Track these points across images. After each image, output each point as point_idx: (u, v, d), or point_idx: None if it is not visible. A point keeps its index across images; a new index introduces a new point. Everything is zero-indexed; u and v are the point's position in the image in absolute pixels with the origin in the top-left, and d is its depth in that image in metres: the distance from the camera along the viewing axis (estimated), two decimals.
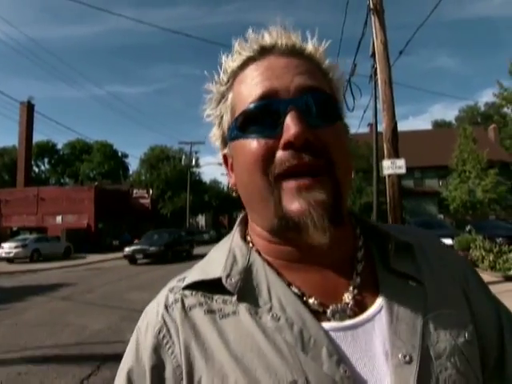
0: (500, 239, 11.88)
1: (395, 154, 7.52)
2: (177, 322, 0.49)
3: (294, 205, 0.46)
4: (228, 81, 0.54)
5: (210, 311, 0.49)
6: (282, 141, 0.46)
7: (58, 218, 27.27)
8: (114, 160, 50.42)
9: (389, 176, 7.51)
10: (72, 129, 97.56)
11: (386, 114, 7.74)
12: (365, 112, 13.03)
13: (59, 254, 19.94)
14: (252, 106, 0.49)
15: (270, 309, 0.47)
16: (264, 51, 0.52)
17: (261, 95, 0.49)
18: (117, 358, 4.22)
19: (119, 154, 52.60)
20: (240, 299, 0.48)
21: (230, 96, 0.53)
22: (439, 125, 49.45)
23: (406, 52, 9.02)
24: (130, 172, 52.26)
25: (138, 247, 17.36)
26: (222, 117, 0.55)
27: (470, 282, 0.56)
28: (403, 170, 7.42)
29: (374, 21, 8.00)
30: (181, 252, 19.38)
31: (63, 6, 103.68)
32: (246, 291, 0.49)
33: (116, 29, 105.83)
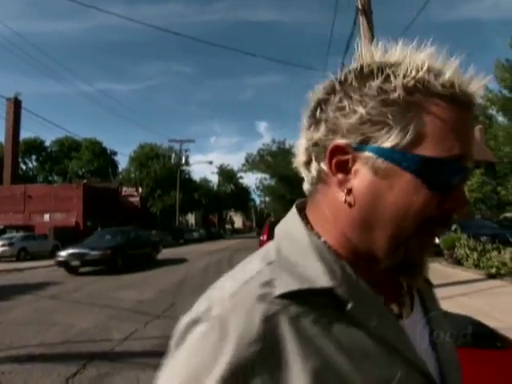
0: (484, 238, 12.11)
1: None
2: (284, 337, 0.43)
3: (422, 253, 0.49)
4: (405, 94, 0.46)
5: (315, 321, 0.45)
6: (451, 207, 0.47)
7: (46, 216, 26.96)
8: (103, 158, 49.96)
9: None
10: (60, 126, 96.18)
11: None
12: None
13: (47, 253, 19.69)
14: (452, 158, 0.46)
15: (371, 317, 0.47)
16: (467, 104, 0.48)
17: (457, 156, 0.46)
18: (103, 356, 4.26)
19: (108, 151, 52.14)
20: (341, 308, 0.46)
21: (412, 114, 0.46)
22: None
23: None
24: (120, 170, 51.84)
25: (74, 251, 12.91)
26: (375, 118, 0.46)
27: None
28: None
29: (361, 21, 8.08)
30: (137, 257, 14.97)
31: (51, 1, 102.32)
32: (354, 301, 0.47)
33: (105, 25, 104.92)
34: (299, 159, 0.55)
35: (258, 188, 43.69)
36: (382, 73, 0.47)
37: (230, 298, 0.46)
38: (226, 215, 63.01)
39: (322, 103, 0.50)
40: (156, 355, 4.57)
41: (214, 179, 59.22)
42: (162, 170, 40.46)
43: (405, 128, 0.45)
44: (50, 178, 50.24)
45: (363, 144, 0.47)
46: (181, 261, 16.91)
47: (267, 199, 49.86)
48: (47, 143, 51.69)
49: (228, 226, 69.19)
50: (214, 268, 13.49)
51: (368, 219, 0.48)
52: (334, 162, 0.49)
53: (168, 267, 14.37)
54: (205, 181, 56.13)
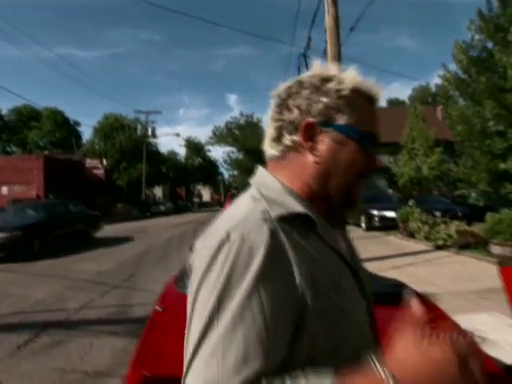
0: (437, 213, 12.81)
1: None
2: (283, 242, 0.65)
3: (358, 195, 0.77)
4: (348, 93, 0.73)
5: (300, 235, 0.68)
6: (370, 165, 0.76)
7: (4, 189, 25.86)
8: (65, 128, 47.82)
9: None
10: (18, 94, 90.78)
11: None
12: None
13: None
14: (372, 133, 0.76)
15: (324, 234, 0.73)
16: (375, 101, 0.78)
17: (374, 132, 0.76)
18: (58, 324, 4.30)
19: (71, 122, 49.99)
20: (316, 229, 0.71)
21: (351, 106, 0.73)
22: (393, 103, 51.02)
23: (358, 29, 9.19)
24: (84, 141, 49.96)
25: None
26: (331, 105, 0.73)
27: None
28: None
29: None
30: (65, 237, 12.07)
31: None
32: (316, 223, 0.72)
33: None
34: (270, 135, 0.77)
35: (225, 161, 43.45)
36: (334, 80, 0.74)
37: (243, 223, 0.65)
38: (194, 188, 62.52)
39: (292, 96, 0.75)
40: (111, 323, 4.69)
41: (182, 152, 58.33)
42: (127, 141, 39.36)
43: (350, 113, 0.73)
44: (7, 149, 47.81)
45: (326, 122, 0.73)
46: (127, 239, 14.09)
47: (235, 173, 49.77)
48: (3, 111, 48.88)
49: (196, 200, 68.78)
50: (177, 240, 13.55)
51: (328, 172, 0.73)
52: (307, 134, 0.73)
53: (106, 249, 11.62)
54: (172, 153, 55.21)
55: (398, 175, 26.27)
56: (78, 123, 50.87)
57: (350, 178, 0.74)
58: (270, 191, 0.72)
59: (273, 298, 0.60)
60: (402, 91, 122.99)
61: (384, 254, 9.27)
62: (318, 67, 0.77)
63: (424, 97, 48.19)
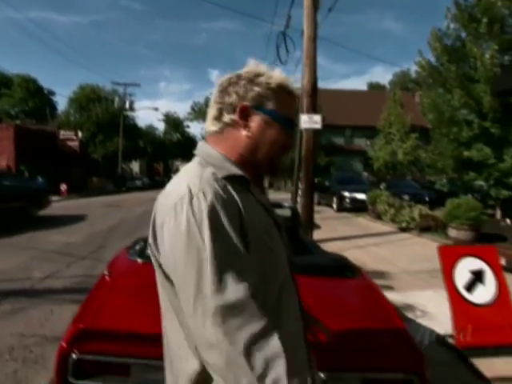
0: (406, 196, 13.26)
1: (313, 109, 7.92)
2: (233, 195, 0.85)
3: (280, 165, 1.01)
4: (275, 86, 0.95)
5: (239, 191, 0.87)
6: (289, 142, 0.99)
7: None
8: (38, 97, 46.02)
9: (305, 130, 7.94)
10: None
11: (307, 70, 8.01)
12: (297, 66, 13.20)
13: None
14: (291, 119, 0.98)
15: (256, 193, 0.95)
16: (294, 94, 0.99)
17: (292, 118, 0.99)
18: (21, 293, 4.36)
19: (45, 91, 48.16)
20: (249, 188, 0.93)
21: (276, 96, 0.95)
22: (374, 87, 51.35)
23: (343, 10, 9.20)
24: (59, 112, 48.32)
25: None
26: (261, 94, 0.94)
27: None
28: (319, 126, 7.85)
29: None
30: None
31: None
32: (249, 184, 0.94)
33: None
34: (212, 114, 0.97)
35: (203, 137, 42.84)
36: (264, 75, 0.95)
37: (199, 181, 0.84)
38: (172, 164, 61.73)
39: (232, 84, 0.95)
40: (75, 292, 4.76)
41: (161, 127, 57.23)
42: (104, 114, 38.36)
43: (276, 101, 0.94)
44: None
45: (257, 106, 0.94)
46: (79, 218, 12.21)
47: None
48: None
49: (174, 176, 67.87)
50: (149, 215, 13.49)
51: (257, 145, 0.94)
52: (242, 114, 0.93)
53: (39, 232, 9.22)
54: (151, 128, 54.19)
55: (374, 159, 26.74)
56: (52, 92, 49.02)
57: (273, 150, 0.96)
58: (212, 159, 0.93)
59: (234, 243, 0.80)
60: (383, 76, 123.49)
61: (351, 234, 9.61)
62: (252, 65, 0.99)
63: (404, 82, 48.59)
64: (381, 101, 29.38)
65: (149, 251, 0.93)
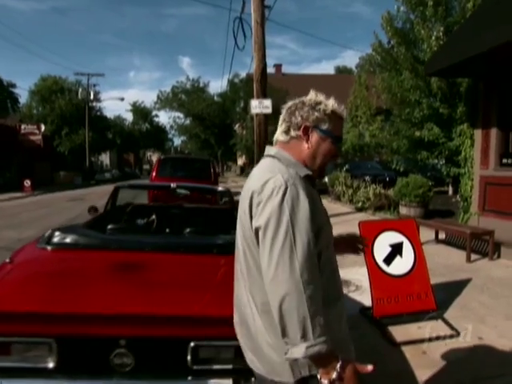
0: (368, 177, 13.59)
1: (263, 94, 7.98)
2: (310, 190, 1.23)
3: (325, 167, 1.38)
4: (329, 112, 1.30)
5: (309, 186, 1.24)
6: (337, 153, 1.36)
7: None
8: None
9: (256, 115, 8.01)
10: None
11: (256, 55, 8.04)
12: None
13: None
14: (339, 136, 1.36)
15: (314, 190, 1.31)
16: (342, 118, 1.36)
17: (340, 136, 1.36)
18: None
19: (5, 83, 46.10)
20: (313, 185, 1.32)
21: (331, 120, 1.30)
22: (341, 71, 51.66)
23: None
24: (21, 105, 46.43)
25: None
26: (319, 118, 1.29)
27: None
28: (269, 110, 7.94)
29: None
30: None
31: None
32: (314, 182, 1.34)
33: None
34: (282, 129, 1.33)
35: (171, 127, 42.25)
36: (322, 103, 1.30)
37: (290, 177, 1.18)
38: (144, 155, 60.72)
39: (298, 109, 1.30)
40: None
41: (129, 117, 55.86)
42: (68, 105, 37.22)
43: (329, 123, 1.30)
44: None
45: (316, 126, 1.29)
46: (36, 214, 12.25)
47: (184, 138, 48.62)
48: None
49: (146, 167, 67.01)
50: None
51: (314, 154, 1.30)
52: (305, 131, 1.29)
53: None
54: (119, 119, 52.93)
55: (342, 141, 27.09)
56: (12, 85, 46.97)
57: (325, 159, 1.32)
58: (291, 163, 1.27)
59: (310, 222, 1.15)
60: (355, 59, 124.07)
61: None
62: (313, 94, 1.35)
63: (370, 65, 48.99)
64: (348, 84, 29.71)
65: (239, 222, 1.29)
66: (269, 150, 1.35)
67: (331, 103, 1.30)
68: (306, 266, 1.09)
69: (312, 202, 1.17)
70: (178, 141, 66.18)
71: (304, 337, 1.04)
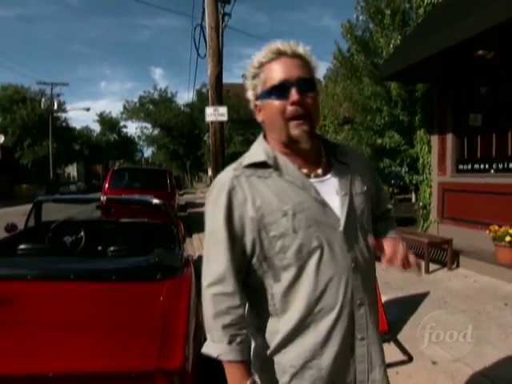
0: None
1: (218, 101, 7.66)
2: (243, 183, 1.04)
3: (295, 132, 1.04)
4: (259, 67, 1.06)
5: (259, 177, 1.05)
6: (290, 101, 1.02)
7: None
8: None
9: (212, 123, 7.67)
10: None
11: (211, 61, 7.71)
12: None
13: None
14: (276, 83, 1.03)
15: (287, 174, 1.06)
16: (280, 54, 1.04)
17: (281, 79, 1.03)
18: None
19: None
20: (274, 170, 1.06)
21: (262, 75, 1.06)
22: None
23: (285, 6, 8.99)
24: None
25: None
26: (255, 85, 1.08)
27: (373, 172, 1.30)
28: (225, 118, 7.62)
29: None
30: None
31: None
32: (276, 167, 1.06)
33: None
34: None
35: (139, 138, 41.30)
36: (254, 66, 1.09)
37: (221, 172, 1.09)
38: (113, 165, 59.03)
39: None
40: None
41: (97, 128, 54.32)
42: (30, 116, 35.88)
43: (259, 83, 1.08)
44: None
45: (258, 97, 1.09)
46: None
47: (152, 149, 47.54)
48: None
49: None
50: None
51: (269, 125, 1.10)
52: (257, 112, 1.13)
53: None
54: (87, 130, 51.41)
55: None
56: None
57: (280, 124, 1.04)
58: (257, 146, 1.12)
59: (232, 219, 1.02)
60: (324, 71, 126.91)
61: None
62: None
63: (332, 74, 50.00)
64: (321, 95, 30.12)
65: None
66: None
67: (258, 55, 1.07)
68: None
69: (253, 197, 1.02)
70: (148, 152, 65.09)
71: (209, 333, 1.01)
